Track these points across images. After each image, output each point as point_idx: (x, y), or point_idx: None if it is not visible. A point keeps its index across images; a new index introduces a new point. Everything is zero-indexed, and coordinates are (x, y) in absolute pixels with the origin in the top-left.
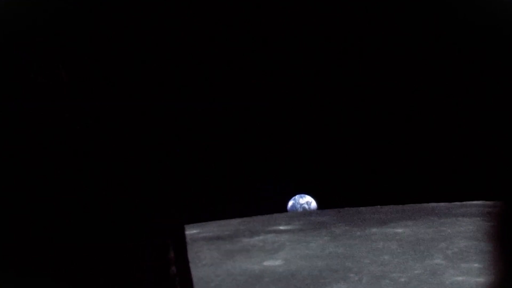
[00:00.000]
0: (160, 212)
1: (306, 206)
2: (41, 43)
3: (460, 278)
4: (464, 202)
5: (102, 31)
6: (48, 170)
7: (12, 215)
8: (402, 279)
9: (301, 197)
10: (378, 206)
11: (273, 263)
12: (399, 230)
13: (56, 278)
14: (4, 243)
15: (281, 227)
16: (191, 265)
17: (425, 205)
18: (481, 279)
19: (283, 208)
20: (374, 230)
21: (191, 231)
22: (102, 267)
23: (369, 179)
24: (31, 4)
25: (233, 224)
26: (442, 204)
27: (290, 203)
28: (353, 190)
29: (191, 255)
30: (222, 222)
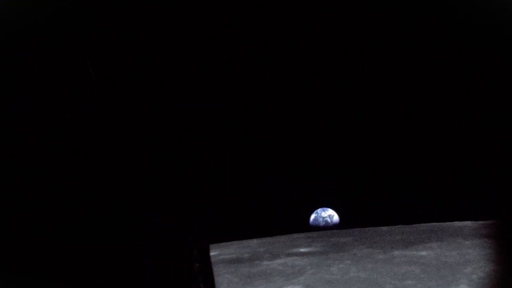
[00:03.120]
0: (171, 212)
1: (328, 220)
2: (41, 43)
3: None
4: (491, 221)
5: (102, 31)
6: (48, 170)
7: (12, 215)
8: None
9: (323, 211)
10: (401, 226)
11: None
12: (423, 253)
13: (56, 278)
14: (4, 243)
15: (302, 249)
16: None
17: (449, 224)
18: None
19: (305, 223)
20: (397, 252)
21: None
22: (102, 267)
23: (392, 196)
24: (31, 4)
25: (253, 245)
26: (467, 223)
27: (312, 216)
28: (375, 208)
29: None
30: (243, 242)
